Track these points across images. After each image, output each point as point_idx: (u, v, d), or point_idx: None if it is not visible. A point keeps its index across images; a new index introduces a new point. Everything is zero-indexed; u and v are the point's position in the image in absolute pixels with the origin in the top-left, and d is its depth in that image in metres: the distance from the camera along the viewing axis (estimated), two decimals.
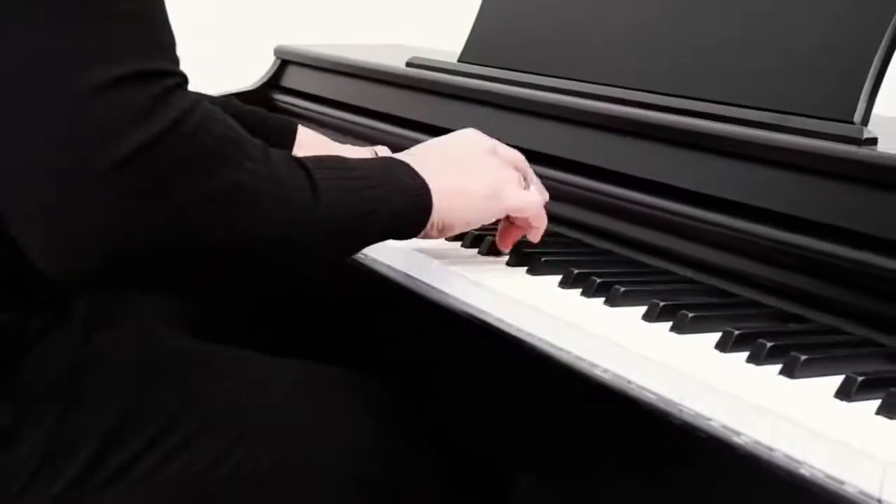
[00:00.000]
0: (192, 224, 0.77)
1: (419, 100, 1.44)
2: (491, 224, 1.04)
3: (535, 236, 1.05)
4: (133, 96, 0.74)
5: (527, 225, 1.04)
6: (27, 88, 0.74)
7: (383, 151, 1.25)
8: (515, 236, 1.05)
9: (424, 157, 0.98)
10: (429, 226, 0.96)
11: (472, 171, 0.99)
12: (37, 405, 0.88)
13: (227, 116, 0.82)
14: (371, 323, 1.24)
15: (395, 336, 1.20)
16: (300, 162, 0.86)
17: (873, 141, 0.94)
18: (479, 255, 1.07)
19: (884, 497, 0.66)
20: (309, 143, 1.30)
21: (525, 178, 1.05)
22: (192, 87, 1.28)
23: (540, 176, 1.13)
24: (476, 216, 1.00)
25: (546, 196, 1.06)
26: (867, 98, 0.97)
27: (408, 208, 0.94)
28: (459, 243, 1.11)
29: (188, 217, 0.77)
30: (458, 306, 0.99)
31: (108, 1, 0.75)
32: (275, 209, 0.82)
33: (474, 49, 1.42)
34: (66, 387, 0.89)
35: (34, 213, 0.75)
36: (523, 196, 1.02)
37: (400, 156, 0.99)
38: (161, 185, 0.75)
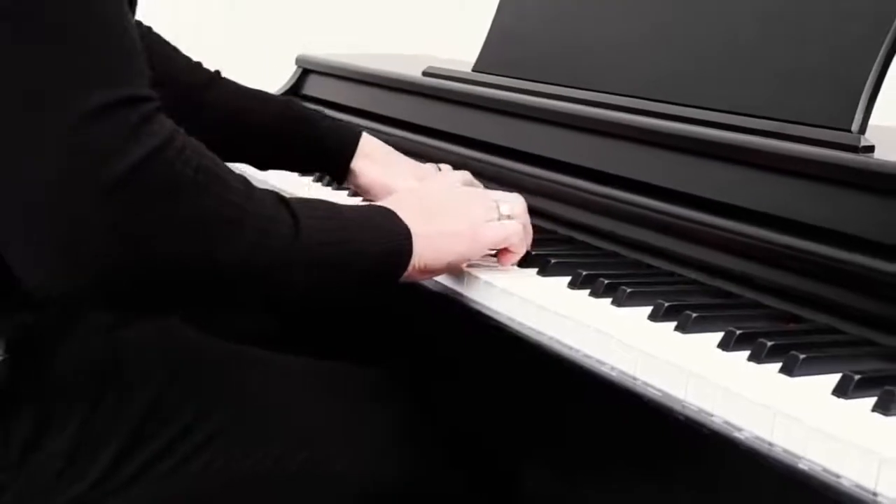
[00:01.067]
0: (169, 250, 0.76)
1: (435, 107, 1.44)
2: None
3: (506, 260, 1.04)
4: (115, 124, 0.73)
5: (507, 250, 1.04)
6: (10, 120, 0.73)
7: (447, 168, 1.25)
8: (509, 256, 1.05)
9: (406, 204, 0.97)
10: (410, 267, 0.95)
11: (452, 216, 0.99)
12: (62, 406, 0.88)
13: (206, 149, 0.81)
14: (385, 323, 1.24)
15: (409, 335, 1.21)
16: (284, 200, 0.86)
17: (870, 148, 0.94)
18: (491, 258, 1.07)
19: (879, 490, 0.66)
20: (371, 153, 1.28)
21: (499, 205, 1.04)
22: None
23: (549, 181, 1.13)
24: (456, 257, 1.00)
25: (524, 205, 1.06)
26: (864, 108, 0.97)
27: (389, 253, 0.93)
28: None
29: (165, 243, 0.76)
30: (471, 305, 1.00)
31: (85, 31, 0.74)
32: (255, 241, 0.81)
33: (487, 59, 1.42)
34: (90, 387, 0.89)
35: (25, 235, 0.75)
36: (503, 230, 1.02)
37: (384, 202, 0.99)
38: (143, 211, 0.74)
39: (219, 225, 0.79)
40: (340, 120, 1.34)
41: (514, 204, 1.05)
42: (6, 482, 0.85)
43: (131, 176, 0.73)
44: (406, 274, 0.96)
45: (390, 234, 0.93)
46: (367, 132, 1.52)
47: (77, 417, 0.88)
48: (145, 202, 0.74)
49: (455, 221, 0.99)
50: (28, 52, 0.72)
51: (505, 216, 1.03)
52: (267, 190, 0.86)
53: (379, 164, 1.26)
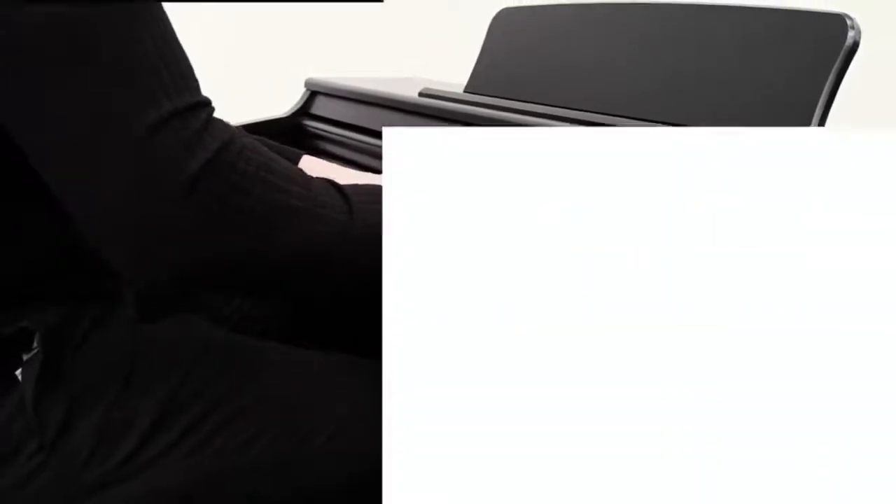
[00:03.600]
0: (239, 242, 0.77)
1: (430, 125, 1.45)
2: None
3: None
4: (178, 133, 0.74)
5: None
6: (83, 140, 0.73)
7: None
8: None
9: None
10: None
11: None
12: (91, 392, 0.88)
13: (262, 146, 0.82)
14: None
15: None
16: (338, 187, 0.87)
17: None
18: None
19: None
20: (312, 169, 1.29)
21: None
22: (235, 114, 1.30)
23: None
24: None
25: None
26: (816, 125, 0.98)
27: None
28: None
29: (235, 236, 0.77)
30: None
31: (144, 50, 0.74)
32: (315, 229, 0.82)
33: (478, 80, 1.43)
34: (117, 376, 0.90)
35: (110, 241, 0.76)
36: None
37: None
38: (212, 211, 0.75)
39: (281, 215, 0.79)
40: (286, 146, 1.35)
41: None
42: (44, 461, 0.86)
43: (198, 180, 0.74)
44: None
45: None
46: (370, 147, 1.54)
47: (104, 402, 0.88)
48: (213, 203, 0.75)
49: None
50: (90, 77, 0.72)
51: None
52: (321, 178, 0.87)
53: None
